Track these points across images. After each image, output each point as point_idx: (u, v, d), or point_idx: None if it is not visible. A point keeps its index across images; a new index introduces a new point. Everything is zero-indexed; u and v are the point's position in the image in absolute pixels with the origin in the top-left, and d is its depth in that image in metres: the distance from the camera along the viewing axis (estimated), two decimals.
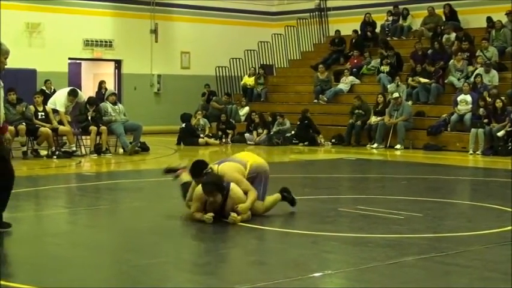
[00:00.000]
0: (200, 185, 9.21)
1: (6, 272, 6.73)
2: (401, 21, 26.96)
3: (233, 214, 9.03)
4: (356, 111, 22.28)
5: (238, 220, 9.01)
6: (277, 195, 9.96)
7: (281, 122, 23.09)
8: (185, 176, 10.06)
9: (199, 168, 9.48)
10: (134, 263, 7.17)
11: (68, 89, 19.57)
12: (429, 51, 23.96)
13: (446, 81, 22.59)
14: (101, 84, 24.95)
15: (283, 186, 10.09)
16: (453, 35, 24.16)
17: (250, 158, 9.99)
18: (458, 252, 7.57)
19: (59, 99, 18.80)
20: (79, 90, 19.74)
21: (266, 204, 9.78)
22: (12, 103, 17.62)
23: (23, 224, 9.61)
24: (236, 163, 9.74)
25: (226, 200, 9.12)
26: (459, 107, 20.85)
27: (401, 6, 26.94)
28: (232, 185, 9.21)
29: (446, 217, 9.96)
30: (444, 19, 25.30)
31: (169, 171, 10.53)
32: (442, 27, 24.80)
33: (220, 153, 20.45)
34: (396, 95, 21.59)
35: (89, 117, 18.90)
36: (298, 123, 22.76)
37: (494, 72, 21.67)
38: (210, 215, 9.07)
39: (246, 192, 9.34)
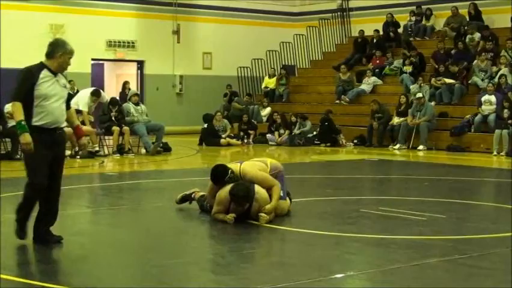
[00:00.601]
0: (223, 190, 9.23)
1: (30, 271, 6.77)
2: (424, 21, 26.86)
3: (262, 215, 9.06)
4: (375, 115, 22.22)
5: (267, 220, 9.02)
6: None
7: (302, 123, 23.05)
8: (199, 193, 10.12)
9: (220, 176, 9.49)
10: (157, 263, 7.19)
11: (91, 89, 19.64)
12: (453, 51, 23.85)
13: (469, 81, 22.46)
14: (125, 84, 25.00)
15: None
16: (477, 35, 24.02)
17: (268, 159, 10.19)
18: (481, 254, 7.53)
19: (81, 99, 18.86)
20: (101, 91, 19.83)
21: (288, 206, 9.81)
22: None
23: None
24: (257, 161, 9.84)
25: (252, 203, 9.13)
26: (483, 107, 20.71)
27: (424, 6, 26.82)
28: (257, 188, 9.22)
29: (469, 219, 9.92)
30: (468, 19, 25.16)
31: (183, 200, 10.42)
32: (466, 27, 24.67)
33: (241, 153, 20.46)
34: (419, 95, 21.50)
35: (112, 118, 18.95)
36: (320, 124, 22.71)
37: None
38: (231, 215, 9.08)
39: (270, 188, 9.36)
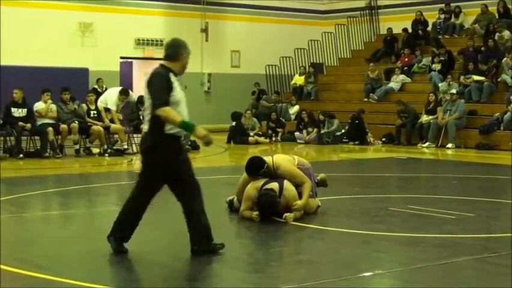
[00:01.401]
0: (252, 185, 9.25)
1: (58, 268, 6.81)
2: (453, 19, 26.72)
3: (288, 215, 9.06)
4: (401, 114, 22.16)
5: (291, 219, 9.03)
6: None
7: (330, 121, 23.01)
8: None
9: (256, 167, 9.46)
10: (185, 261, 7.21)
11: (119, 88, 19.77)
12: (482, 49, 23.71)
13: (498, 79, 22.32)
14: None
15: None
16: (506, 33, 23.87)
17: (295, 156, 10.23)
18: (510, 253, 7.48)
19: (110, 98, 19.01)
20: (129, 90, 19.98)
21: (318, 204, 9.83)
22: (65, 102, 17.84)
23: (75, 221, 9.73)
24: (286, 156, 9.91)
25: (280, 199, 9.13)
26: None
27: (453, 4, 26.69)
28: (286, 184, 9.22)
29: (498, 217, 9.86)
30: (497, 17, 25.01)
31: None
32: (495, 25, 24.52)
33: (270, 151, 20.44)
34: (453, 91, 21.44)
35: (141, 117, 19.01)
36: (350, 121, 22.66)
37: None
38: (256, 213, 9.09)
39: (300, 185, 9.37)
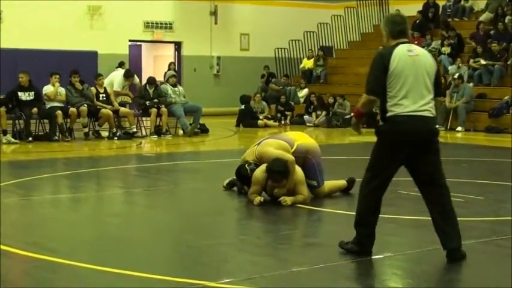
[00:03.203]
0: (259, 169, 9.22)
1: (67, 251, 6.83)
2: (462, 2, 26.61)
3: (283, 198, 9.04)
4: None
5: (289, 202, 9.01)
6: (343, 182, 9.96)
7: (341, 103, 23.00)
8: None
9: (244, 175, 9.46)
10: (193, 244, 7.22)
11: (123, 70, 19.87)
12: (492, 32, 23.62)
13: (508, 62, 22.24)
14: (170, 66, 24.88)
15: (351, 177, 10.01)
16: None
17: (301, 138, 9.88)
18: None
19: (116, 79, 19.17)
20: (133, 72, 20.15)
21: (330, 187, 9.78)
22: (74, 85, 17.84)
23: (84, 204, 9.75)
24: (279, 140, 9.66)
25: (288, 180, 9.11)
26: None
27: None
28: (296, 167, 9.18)
29: (507, 200, 9.82)
30: (507, 0, 24.88)
31: (231, 185, 10.29)
32: (505, 8, 24.41)
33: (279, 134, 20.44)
34: (456, 75, 21.35)
35: (150, 95, 18.91)
36: None
37: None
38: (258, 198, 9.09)
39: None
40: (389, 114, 6.47)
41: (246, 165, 9.45)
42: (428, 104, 6.46)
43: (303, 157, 9.55)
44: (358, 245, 6.67)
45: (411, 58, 6.45)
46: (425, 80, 6.46)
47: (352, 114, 7.63)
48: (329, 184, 9.80)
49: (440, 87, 6.71)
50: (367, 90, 6.54)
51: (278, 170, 8.95)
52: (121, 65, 23.41)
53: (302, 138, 9.87)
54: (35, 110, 16.98)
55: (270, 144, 9.57)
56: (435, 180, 6.62)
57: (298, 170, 9.23)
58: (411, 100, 6.39)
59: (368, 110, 6.80)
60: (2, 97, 17.35)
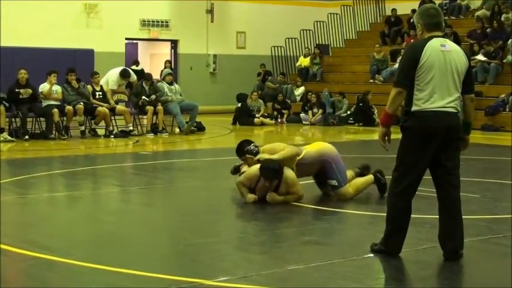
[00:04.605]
0: (254, 166, 9.23)
1: (63, 249, 6.83)
2: (459, 1, 26.63)
3: (270, 193, 9.05)
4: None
5: (278, 200, 9.03)
6: (370, 178, 9.84)
7: (340, 100, 23.03)
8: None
9: (239, 147, 9.70)
10: (190, 242, 7.23)
11: (120, 68, 19.82)
12: (488, 31, 23.64)
13: (504, 60, 22.25)
14: (166, 64, 24.88)
15: (378, 169, 9.96)
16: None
17: (312, 146, 9.86)
18: None
19: (112, 78, 19.12)
20: (130, 70, 20.09)
21: (357, 186, 9.66)
22: (71, 83, 17.82)
23: (81, 202, 9.75)
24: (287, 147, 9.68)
25: (280, 183, 9.10)
26: None
27: None
28: (286, 169, 9.16)
29: (503, 199, 9.84)
30: None
31: (236, 170, 10.36)
32: (501, 6, 24.44)
33: (275, 133, 20.47)
34: None
35: (146, 91, 18.90)
36: (356, 103, 22.62)
37: None
38: (253, 196, 9.10)
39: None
40: (414, 108, 6.46)
41: (252, 144, 9.57)
42: (455, 101, 6.43)
43: (319, 161, 9.49)
44: (385, 245, 6.63)
45: (443, 53, 6.42)
46: (454, 77, 6.43)
47: (378, 121, 7.58)
48: (354, 184, 9.67)
49: (471, 85, 6.69)
50: (395, 82, 6.53)
51: (272, 167, 8.95)
52: (135, 63, 23.65)
53: (313, 146, 9.84)
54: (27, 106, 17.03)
55: (272, 146, 9.72)
56: (452, 178, 6.64)
57: (289, 172, 9.19)
58: (439, 96, 6.37)
59: (396, 107, 6.70)
60: (3, 95, 17.30)
